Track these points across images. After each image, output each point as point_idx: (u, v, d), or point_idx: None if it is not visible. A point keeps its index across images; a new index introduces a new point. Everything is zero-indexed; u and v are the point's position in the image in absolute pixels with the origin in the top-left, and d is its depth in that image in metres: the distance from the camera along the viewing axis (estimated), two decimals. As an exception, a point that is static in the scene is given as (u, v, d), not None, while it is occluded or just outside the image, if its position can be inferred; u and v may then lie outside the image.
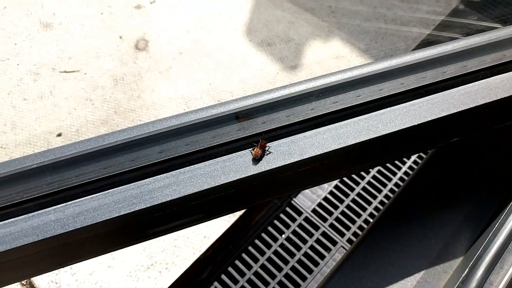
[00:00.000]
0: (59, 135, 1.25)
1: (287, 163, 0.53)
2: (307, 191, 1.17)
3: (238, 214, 1.05)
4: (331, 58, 1.44)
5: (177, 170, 0.52)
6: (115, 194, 0.50)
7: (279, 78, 1.40)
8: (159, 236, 0.60)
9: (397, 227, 0.74)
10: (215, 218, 0.62)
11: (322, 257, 1.07)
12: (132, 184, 0.51)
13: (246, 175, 0.52)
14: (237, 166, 0.53)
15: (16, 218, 0.48)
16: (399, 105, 0.59)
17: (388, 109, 0.58)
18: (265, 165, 0.52)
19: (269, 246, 1.08)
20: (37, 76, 1.37)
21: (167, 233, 0.59)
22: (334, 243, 1.09)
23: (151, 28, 1.51)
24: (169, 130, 0.55)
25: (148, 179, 0.51)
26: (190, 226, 0.59)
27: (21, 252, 0.48)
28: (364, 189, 1.20)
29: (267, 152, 0.51)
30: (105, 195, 0.50)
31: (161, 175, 0.52)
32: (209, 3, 1.59)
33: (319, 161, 0.55)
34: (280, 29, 1.52)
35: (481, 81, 0.60)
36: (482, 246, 0.63)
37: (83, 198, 0.50)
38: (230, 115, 0.56)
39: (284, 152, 0.53)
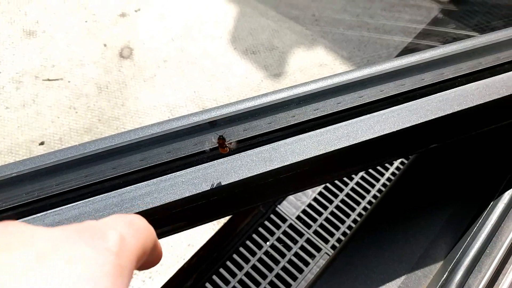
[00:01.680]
0: (42, 143, 1.23)
1: (268, 169, 0.53)
2: (291, 198, 1.17)
3: (222, 221, 1.05)
4: (314, 66, 1.46)
5: (158, 178, 0.52)
6: (96, 202, 0.50)
7: (263, 86, 1.41)
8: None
9: (379, 233, 0.74)
10: (198, 225, 0.61)
11: (307, 264, 1.07)
12: (113, 192, 0.51)
13: (228, 182, 0.53)
14: (219, 173, 0.53)
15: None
16: (378, 112, 0.59)
17: (368, 115, 0.59)
18: (246, 172, 0.53)
19: (253, 253, 1.08)
20: (19, 84, 1.36)
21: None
22: (318, 249, 1.10)
23: (135, 36, 1.51)
24: (150, 138, 0.55)
25: (130, 187, 0.51)
26: (173, 234, 0.59)
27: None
28: (347, 195, 1.21)
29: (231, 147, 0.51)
30: (86, 203, 0.50)
31: (142, 183, 0.52)
32: (194, 11, 1.60)
33: (300, 167, 0.55)
34: (265, 37, 1.53)
35: (457, 88, 0.61)
36: (461, 250, 0.64)
37: (63, 207, 0.49)
38: (211, 123, 0.56)
39: (265, 159, 0.54)
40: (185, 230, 0.62)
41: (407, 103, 0.60)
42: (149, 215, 0.50)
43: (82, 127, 1.27)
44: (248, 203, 0.66)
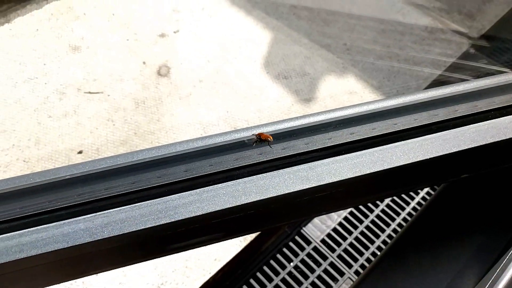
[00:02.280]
0: (80, 152, 1.29)
1: (305, 187, 0.55)
2: (316, 220, 1.19)
3: (248, 238, 1.07)
4: (344, 93, 1.49)
5: (201, 189, 0.55)
6: (142, 207, 0.53)
7: (294, 110, 1.44)
8: (178, 252, 0.62)
9: (406, 259, 0.75)
10: (232, 238, 0.64)
11: (329, 287, 1.07)
12: (158, 199, 0.53)
13: (266, 197, 0.55)
14: (258, 188, 0.55)
15: (48, 225, 0.50)
16: (412, 139, 0.61)
17: (402, 142, 0.61)
18: (284, 188, 0.55)
19: (277, 273, 1.09)
20: (63, 95, 1.44)
21: (186, 250, 0.61)
22: (341, 274, 1.10)
23: (173, 56, 1.58)
24: (195, 151, 0.58)
25: (174, 195, 0.54)
26: (209, 244, 0.62)
27: (50, 257, 0.50)
28: (372, 222, 1.22)
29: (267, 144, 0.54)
30: (132, 208, 0.52)
31: (186, 192, 0.54)
32: (230, 36, 1.67)
33: (335, 187, 0.57)
34: (297, 63, 1.58)
35: (490, 120, 0.63)
36: (490, 282, 0.64)
37: (111, 210, 0.52)
38: (251, 140, 0.59)
39: (303, 177, 0.56)
40: (220, 241, 0.64)
41: (441, 133, 0.62)
42: (191, 223, 0.53)
43: (119, 139, 1.33)
44: (282, 220, 0.69)
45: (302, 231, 1.17)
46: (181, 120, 1.37)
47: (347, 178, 0.56)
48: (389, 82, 1.56)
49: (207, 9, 1.77)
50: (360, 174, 0.57)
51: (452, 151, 0.60)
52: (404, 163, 0.59)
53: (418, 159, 0.59)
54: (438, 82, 1.54)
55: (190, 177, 0.56)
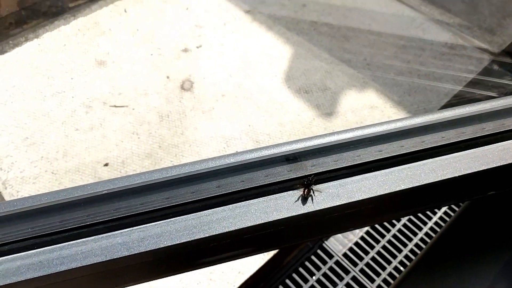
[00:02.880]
0: (106, 165, 1.33)
1: (335, 204, 0.56)
2: (338, 234, 1.19)
3: (271, 252, 1.08)
4: (365, 108, 1.50)
5: (234, 204, 0.56)
6: (177, 222, 0.54)
7: (315, 124, 1.46)
8: (208, 266, 0.63)
9: (432, 275, 0.75)
10: (261, 252, 0.65)
11: (352, 302, 1.07)
12: (192, 214, 0.55)
13: (297, 214, 0.56)
14: (288, 205, 0.56)
15: (87, 239, 0.52)
16: (440, 157, 0.62)
17: (430, 160, 0.61)
18: (315, 205, 0.56)
19: (299, 286, 1.09)
20: (89, 108, 1.48)
21: (216, 264, 0.62)
22: (364, 289, 1.10)
23: (196, 71, 1.61)
24: (227, 167, 0.59)
25: (207, 211, 0.55)
26: (239, 258, 0.63)
27: (88, 270, 0.52)
28: (394, 236, 1.21)
29: (315, 192, 0.55)
30: (167, 223, 0.54)
31: (219, 208, 0.56)
32: (251, 51, 1.70)
33: (364, 205, 0.58)
34: (317, 78, 1.60)
35: (519, 139, 0.63)
36: (519, 299, 0.64)
37: (147, 225, 0.54)
38: (281, 157, 0.61)
39: (333, 194, 0.57)
40: (250, 256, 0.65)
41: (469, 150, 0.62)
42: (223, 238, 0.54)
43: (144, 152, 1.36)
44: (311, 235, 0.70)
45: (324, 245, 1.17)
46: (204, 134, 1.40)
47: (376, 195, 0.57)
48: (410, 97, 1.56)
49: (229, 24, 1.81)
50: (389, 192, 0.58)
51: (480, 169, 0.61)
52: (432, 181, 0.59)
53: (446, 177, 0.60)
54: (459, 98, 1.54)
55: (223, 193, 0.57)
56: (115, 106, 1.47)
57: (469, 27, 1.81)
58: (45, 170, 1.31)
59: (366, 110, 1.50)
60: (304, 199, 0.56)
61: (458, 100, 1.50)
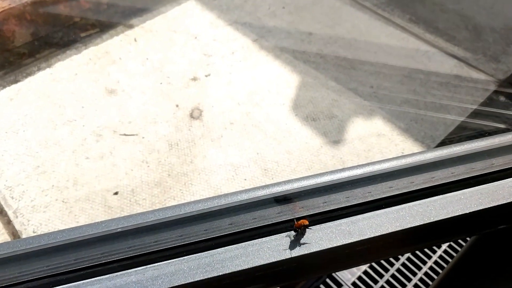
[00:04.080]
0: (116, 193, 1.34)
1: (347, 242, 0.56)
2: (348, 265, 1.18)
3: (281, 283, 1.07)
4: (372, 136, 1.51)
5: (246, 242, 0.56)
6: (190, 261, 0.54)
7: (323, 152, 1.47)
8: (220, 302, 0.63)
9: (445, 311, 0.74)
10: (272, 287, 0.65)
11: (363, 334, 1.06)
12: (205, 252, 0.55)
13: (309, 252, 0.56)
14: (301, 243, 0.56)
15: (101, 277, 0.53)
16: (450, 193, 0.62)
17: (441, 196, 0.62)
18: (327, 243, 0.56)
19: (309, 318, 1.08)
20: (99, 137, 1.50)
21: (228, 300, 0.63)
22: (375, 320, 1.08)
23: (205, 99, 1.64)
24: (239, 205, 0.60)
25: (220, 249, 0.55)
26: (250, 294, 0.63)
27: (102, 309, 0.52)
28: (403, 265, 1.20)
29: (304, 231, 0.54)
30: (181, 261, 0.54)
31: (232, 246, 0.56)
32: (259, 80, 1.72)
33: (375, 241, 0.58)
34: (324, 106, 1.62)
35: (529, 175, 0.63)
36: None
37: (161, 263, 0.54)
38: (293, 194, 0.61)
39: (345, 232, 0.57)
40: (261, 292, 0.65)
41: (479, 187, 0.62)
42: (236, 276, 0.55)
43: (153, 180, 1.37)
44: (321, 271, 0.70)
45: (333, 273, 1.17)
46: (213, 162, 1.41)
47: (388, 232, 0.57)
48: (416, 125, 1.57)
49: (236, 53, 1.85)
50: (401, 229, 0.58)
51: (491, 206, 0.61)
52: (443, 217, 0.59)
53: (457, 214, 0.60)
54: (464, 128, 1.55)
55: (235, 231, 0.57)
56: (125, 135, 1.49)
57: (473, 55, 1.83)
58: (55, 198, 1.33)
59: (374, 138, 1.51)
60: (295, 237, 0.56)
61: (464, 130, 1.51)
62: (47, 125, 1.55)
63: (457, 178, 0.64)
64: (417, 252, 1.23)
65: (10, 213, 1.30)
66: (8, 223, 1.29)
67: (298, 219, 0.56)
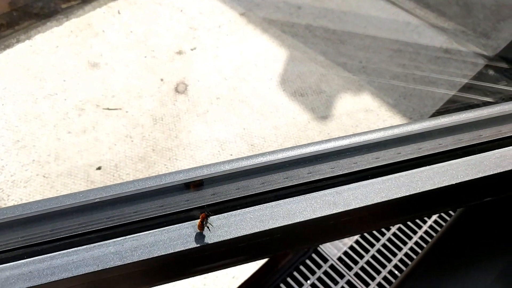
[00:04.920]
0: (99, 168, 1.31)
1: (332, 212, 0.56)
2: (333, 239, 1.18)
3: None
4: (360, 111, 1.50)
5: (229, 213, 0.55)
6: (171, 231, 0.53)
7: (310, 127, 1.45)
8: (203, 274, 0.63)
9: (428, 280, 0.75)
10: (256, 260, 0.64)
11: (347, 307, 1.07)
12: (186, 223, 0.54)
13: (293, 222, 0.55)
14: (285, 213, 0.56)
15: (78, 248, 0.51)
16: (437, 164, 0.62)
17: (427, 167, 0.61)
18: (312, 213, 0.55)
19: (294, 292, 1.09)
20: (81, 111, 1.46)
21: (211, 271, 0.62)
22: (359, 293, 1.09)
23: (190, 73, 1.60)
24: (222, 175, 0.58)
25: None
26: (233, 266, 0.62)
27: (80, 280, 0.51)
28: (389, 240, 1.21)
29: (208, 225, 0.51)
30: (161, 231, 0.53)
31: (213, 217, 0.55)
32: (246, 54, 1.69)
33: (361, 212, 0.58)
34: (313, 81, 1.59)
35: (516, 146, 0.63)
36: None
37: (141, 233, 0.53)
38: (279, 164, 0.60)
39: (330, 202, 0.56)
40: (245, 263, 0.64)
41: (466, 158, 0.62)
42: (218, 247, 0.53)
43: (137, 155, 1.34)
44: (306, 243, 0.69)
45: (319, 249, 1.17)
46: (198, 137, 1.39)
47: (373, 203, 0.57)
48: (405, 101, 1.56)
49: (223, 27, 1.80)
50: (386, 199, 0.57)
51: (478, 177, 0.61)
52: (429, 188, 0.59)
53: (443, 185, 0.59)
54: (454, 103, 1.55)
55: (218, 201, 0.56)
56: (108, 109, 1.45)
57: (463, 30, 1.82)
58: (36, 173, 1.30)
59: (361, 114, 1.50)
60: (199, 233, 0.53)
61: (453, 105, 1.51)
62: (27, 99, 1.51)
63: (444, 149, 0.64)
64: (403, 227, 1.24)
65: (-11, 188, 1.27)
66: (-13, 198, 1.26)
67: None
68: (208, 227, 0.52)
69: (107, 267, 0.51)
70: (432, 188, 0.60)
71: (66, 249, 0.51)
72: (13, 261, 0.50)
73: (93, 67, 1.61)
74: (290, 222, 0.55)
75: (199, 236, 0.53)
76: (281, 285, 1.09)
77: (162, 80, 1.57)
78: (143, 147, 1.36)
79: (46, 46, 1.70)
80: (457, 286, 0.72)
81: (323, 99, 1.53)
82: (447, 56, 1.70)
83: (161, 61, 1.65)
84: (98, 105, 1.47)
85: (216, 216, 0.55)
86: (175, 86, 1.55)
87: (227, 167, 0.60)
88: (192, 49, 1.69)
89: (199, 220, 0.51)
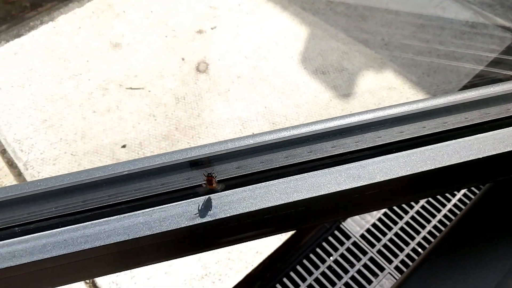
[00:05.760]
0: (124, 146, 1.34)
1: (356, 186, 0.56)
2: (355, 216, 1.19)
3: (289, 232, 1.09)
4: (383, 89, 1.48)
5: (254, 185, 0.56)
6: (198, 203, 0.54)
7: (332, 105, 1.44)
8: (229, 246, 0.64)
9: (453, 257, 0.75)
10: (281, 232, 0.66)
11: (369, 282, 1.08)
12: (213, 195, 0.55)
13: (317, 195, 0.56)
14: (309, 186, 0.56)
15: (109, 218, 0.53)
16: (463, 138, 0.61)
17: (453, 141, 0.60)
18: (336, 186, 0.56)
19: (316, 267, 1.10)
20: (105, 91, 1.49)
21: (236, 243, 0.63)
22: (381, 269, 1.10)
23: (211, 52, 1.60)
24: (246, 149, 0.59)
25: (227, 191, 0.55)
26: (259, 238, 0.63)
27: (111, 249, 0.53)
28: (412, 218, 1.21)
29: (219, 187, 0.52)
30: (188, 203, 0.54)
31: (239, 189, 0.56)
32: (266, 33, 1.68)
33: (385, 186, 0.58)
34: (334, 59, 1.57)
35: (545, 120, 0.61)
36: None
37: (169, 205, 0.54)
38: (302, 138, 0.60)
39: (354, 175, 0.56)
40: (270, 235, 0.66)
41: (493, 132, 0.61)
42: (244, 218, 0.55)
43: (160, 134, 1.37)
44: (330, 216, 0.70)
45: (341, 226, 1.18)
46: (220, 116, 1.40)
47: (398, 176, 0.56)
48: (428, 78, 1.53)
49: (243, 5, 1.79)
50: (411, 173, 0.57)
51: (505, 151, 0.60)
52: (455, 162, 0.58)
53: (470, 158, 0.59)
54: (480, 78, 1.51)
55: (243, 173, 0.57)
56: (131, 88, 1.47)
57: (490, 4, 1.75)
58: (64, 151, 1.33)
59: (384, 91, 1.48)
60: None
61: (479, 80, 1.47)
62: (52, 79, 1.54)
63: (470, 123, 0.63)
64: (426, 205, 1.23)
65: (20, 166, 1.31)
66: (19, 175, 1.31)
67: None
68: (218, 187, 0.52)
69: (137, 236, 0.52)
70: (458, 162, 0.59)
71: (98, 219, 0.53)
72: (49, 230, 0.52)
73: (115, 48, 1.62)
74: (314, 195, 0.56)
75: (226, 207, 0.54)
76: (304, 261, 1.10)
77: (183, 59, 1.58)
78: (166, 125, 1.38)
79: (69, 28, 1.73)
80: (482, 262, 0.72)
81: (345, 77, 1.51)
82: (473, 31, 1.65)
83: (182, 40, 1.65)
84: (121, 84, 1.50)
85: (241, 188, 0.56)
86: (196, 65, 1.56)
87: (251, 141, 0.61)
88: (212, 28, 1.69)
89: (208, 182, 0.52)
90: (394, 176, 0.56)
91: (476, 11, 1.73)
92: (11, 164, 1.34)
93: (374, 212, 1.19)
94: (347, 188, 0.55)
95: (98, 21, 1.76)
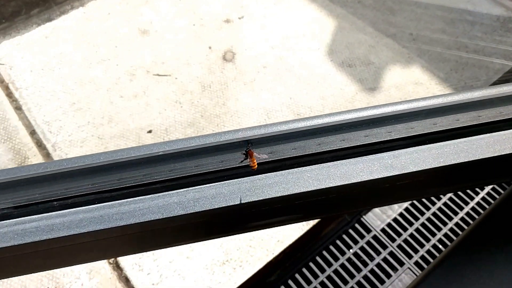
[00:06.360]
0: (150, 131, 1.36)
1: (388, 175, 0.56)
2: (376, 210, 1.19)
3: (311, 223, 1.09)
4: (410, 84, 1.47)
5: (286, 170, 0.57)
6: (231, 185, 0.55)
7: (358, 98, 1.44)
8: (258, 230, 0.65)
9: (477, 254, 0.74)
10: (308, 220, 0.66)
11: (389, 276, 1.08)
12: (246, 178, 0.56)
13: (349, 182, 0.56)
14: (341, 173, 0.56)
15: (144, 197, 0.54)
16: (498, 132, 0.60)
17: (487, 135, 0.60)
18: (368, 175, 0.56)
19: (336, 258, 1.11)
20: (133, 76, 1.51)
21: (266, 228, 0.64)
22: (401, 263, 1.10)
23: (238, 42, 1.61)
24: (279, 134, 0.60)
25: (260, 175, 0.56)
26: (287, 224, 0.64)
27: (145, 227, 0.54)
28: (434, 214, 1.20)
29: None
30: (222, 185, 0.55)
31: (272, 173, 0.56)
32: (294, 24, 1.68)
33: (417, 177, 0.58)
34: (361, 52, 1.56)
35: None
36: None
37: (203, 186, 0.55)
38: (335, 126, 0.61)
39: (386, 165, 0.57)
40: (299, 222, 0.67)
41: (529, 127, 0.60)
42: (275, 202, 0.55)
43: (186, 120, 1.38)
44: (360, 205, 0.70)
45: (362, 219, 1.18)
46: (245, 105, 1.41)
47: (430, 167, 0.56)
48: (456, 74, 1.51)
49: (271, -5, 1.79)
50: (444, 165, 0.57)
51: (540, 146, 0.59)
52: (489, 156, 0.58)
53: (504, 153, 0.58)
54: (511, 74, 1.48)
55: (276, 159, 0.58)
56: (158, 75, 1.49)
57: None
58: (91, 134, 1.36)
59: (411, 86, 1.46)
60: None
61: (510, 76, 1.44)
62: (81, 64, 1.57)
63: (506, 118, 0.62)
64: (449, 202, 1.22)
65: (49, 147, 1.35)
66: (47, 156, 1.34)
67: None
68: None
69: (171, 215, 0.53)
70: (492, 155, 0.59)
71: (133, 197, 0.54)
72: (86, 205, 0.54)
73: (143, 34, 1.64)
74: (346, 182, 0.56)
75: (259, 191, 0.55)
76: (324, 252, 1.11)
77: (210, 48, 1.59)
78: (192, 113, 1.40)
79: (99, 13, 1.75)
80: (508, 259, 0.71)
81: (372, 71, 1.50)
82: (504, 27, 1.61)
83: (209, 29, 1.66)
84: (149, 71, 1.52)
85: (274, 173, 0.57)
86: (223, 54, 1.57)
87: (284, 128, 0.61)
88: (239, 18, 1.69)
89: (251, 159, 0.52)
90: (426, 167, 0.56)
91: (508, 9, 1.70)
92: (40, 145, 1.38)
93: (396, 207, 1.19)
94: (379, 177, 0.55)
95: (127, 7, 1.78)
